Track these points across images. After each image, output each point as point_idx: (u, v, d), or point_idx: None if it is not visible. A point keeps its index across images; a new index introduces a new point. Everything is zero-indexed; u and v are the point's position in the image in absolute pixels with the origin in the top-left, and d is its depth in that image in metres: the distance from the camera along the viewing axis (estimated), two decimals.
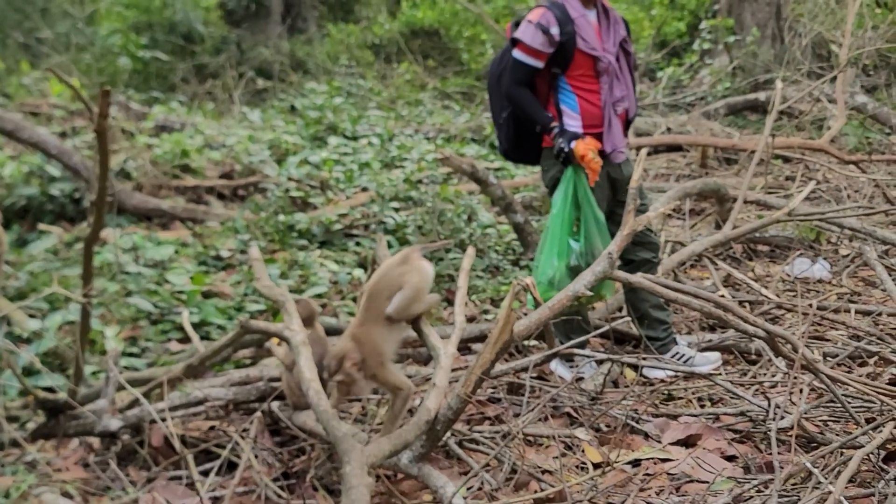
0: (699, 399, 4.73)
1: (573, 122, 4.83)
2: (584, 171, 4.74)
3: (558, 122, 4.84)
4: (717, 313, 3.78)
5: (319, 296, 6.74)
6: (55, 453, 4.55)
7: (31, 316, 5.77)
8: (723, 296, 5.34)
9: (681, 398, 4.78)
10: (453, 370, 4.38)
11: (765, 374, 4.92)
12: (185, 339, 5.87)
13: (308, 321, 4.27)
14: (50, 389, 4.62)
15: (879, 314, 5.69)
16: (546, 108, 4.88)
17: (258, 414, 3.66)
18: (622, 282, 3.85)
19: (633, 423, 4.41)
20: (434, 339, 3.94)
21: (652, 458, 4.12)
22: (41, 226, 7.94)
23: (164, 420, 4.54)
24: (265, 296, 4.36)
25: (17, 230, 8.01)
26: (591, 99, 4.84)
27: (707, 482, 3.80)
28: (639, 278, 3.78)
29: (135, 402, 4.40)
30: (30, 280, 6.33)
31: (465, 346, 5.60)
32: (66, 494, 4.04)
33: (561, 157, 4.75)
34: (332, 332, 5.68)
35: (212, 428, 4.62)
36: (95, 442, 4.63)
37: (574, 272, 4.68)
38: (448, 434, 4.33)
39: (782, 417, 4.11)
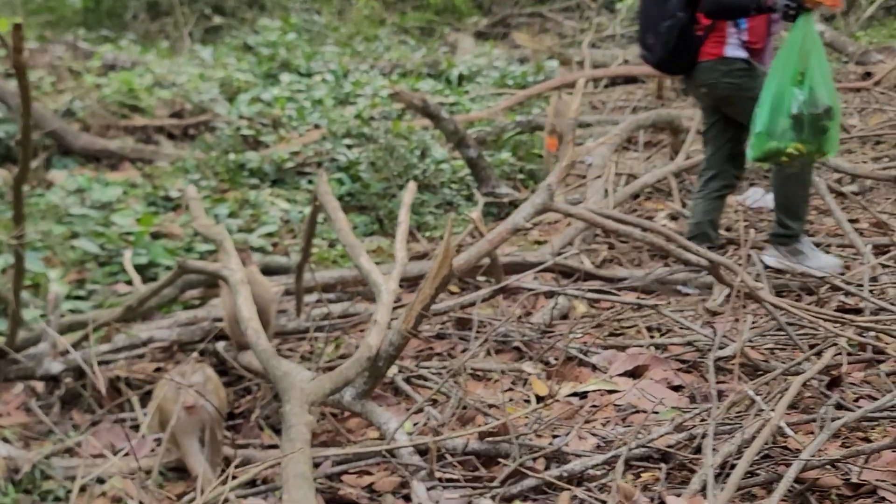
0: (648, 329, 4.71)
1: None
2: (812, 17, 4.71)
3: None
4: (660, 243, 3.75)
5: (270, 234, 6.67)
6: None
7: None
8: (665, 226, 5.30)
9: (631, 327, 4.77)
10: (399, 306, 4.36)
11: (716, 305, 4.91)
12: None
13: (243, 264, 4.22)
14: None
15: (829, 245, 5.68)
16: None
17: (194, 355, 3.61)
18: (561, 213, 3.81)
19: (581, 356, 4.39)
20: (375, 275, 3.89)
21: (599, 390, 4.11)
22: None
23: (108, 363, 4.51)
24: (202, 234, 4.29)
25: None
26: None
27: (652, 412, 3.80)
28: (580, 210, 3.74)
29: (76, 345, 4.33)
30: None
31: (416, 284, 5.56)
32: (5, 440, 3.98)
33: (790, 11, 4.70)
34: (283, 271, 5.63)
35: (157, 370, 4.57)
36: (39, 386, 4.57)
37: (795, 121, 4.64)
38: (395, 370, 4.31)
39: (723, 347, 4.10)
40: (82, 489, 3.75)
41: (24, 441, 3.97)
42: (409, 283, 5.06)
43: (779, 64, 4.74)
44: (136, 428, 4.12)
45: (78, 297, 5.64)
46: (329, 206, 4.28)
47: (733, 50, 5.07)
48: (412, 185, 4.21)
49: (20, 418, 4.30)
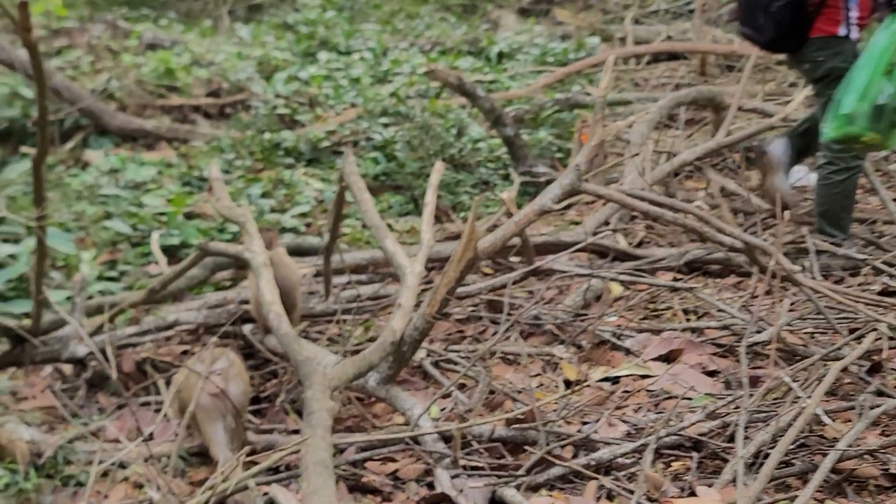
0: (685, 311, 4.60)
1: None
2: None
3: None
4: (693, 225, 3.63)
5: (304, 214, 6.61)
6: (24, 381, 4.47)
7: (5, 241, 5.66)
8: (699, 207, 5.16)
9: (666, 310, 4.66)
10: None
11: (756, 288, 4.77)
12: (170, 262, 5.76)
13: (269, 246, 4.15)
14: (26, 316, 4.54)
15: (874, 222, 5.54)
16: None
17: (213, 339, 3.55)
18: (590, 194, 3.71)
19: (614, 339, 4.29)
20: (401, 258, 3.81)
21: (631, 375, 4.01)
22: (23, 148, 7.78)
23: (135, 346, 4.47)
24: (225, 216, 4.23)
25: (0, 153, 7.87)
26: None
27: (686, 398, 3.70)
28: (610, 191, 3.63)
29: (101, 328, 4.30)
30: (7, 204, 6.20)
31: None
32: (29, 423, 3.95)
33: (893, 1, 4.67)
34: (315, 252, 5.56)
35: (184, 352, 4.53)
36: (68, 369, 4.55)
37: (877, 111, 4.58)
38: (423, 354, 4.23)
39: (760, 331, 3.99)
40: (104, 474, 3.73)
41: (48, 425, 3.93)
42: (441, 264, 4.97)
43: (872, 52, 4.64)
44: (161, 412, 4.07)
45: (109, 279, 5.61)
46: (355, 186, 4.20)
47: (845, 29, 5.03)
48: (439, 166, 4.12)
49: (46, 401, 4.28)
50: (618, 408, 3.68)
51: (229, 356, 3.67)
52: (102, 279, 5.55)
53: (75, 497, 3.56)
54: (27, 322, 4.31)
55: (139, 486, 3.60)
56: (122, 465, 3.71)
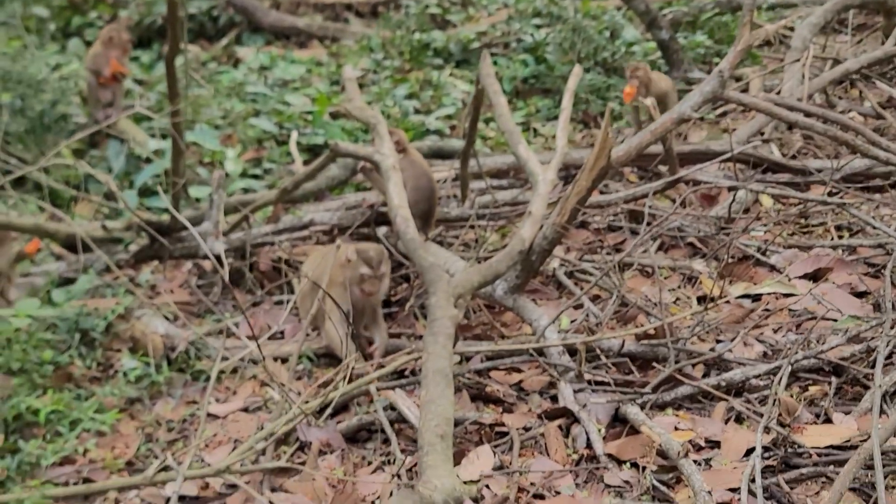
0: (837, 228, 4.35)
1: None
2: None
3: None
4: (844, 137, 3.39)
5: (449, 116, 6.52)
6: (164, 276, 4.55)
7: (154, 136, 5.75)
8: (852, 118, 4.84)
9: (818, 225, 4.42)
10: None
11: None
12: (311, 161, 5.76)
13: (403, 149, 4.08)
14: (166, 211, 4.61)
15: None
16: None
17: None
18: (734, 102, 3.50)
19: (759, 255, 4.10)
20: (533, 164, 3.69)
21: (773, 293, 3.83)
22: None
23: (272, 244, 4.50)
24: (356, 117, 4.17)
25: (157, 48, 7.98)
26: None
27: (830, 319, 3.50)
28: (755, 99, 3.42)
29: (237, 225, 4.33)
30: (159, 100, 6.30)
31: None
32: (165, 317, 4.03)
33: None
34: (456, 155, 5.46)
35: None
36: (207, 265, 4.62)
37: None
38: (556, 263, 4.13)
39: None
40: (233, 371, 3.78)
41: (182, 319, 4.00)
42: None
43: None
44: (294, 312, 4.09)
45: (253, 176, 5.65)
46: (491, 89, 4.08)
47: None
48: (577, 69, 3.97)
49: (183, 296, 4.35)
50: (755, 326, 3.51)
51: (385, 255, 3.62)
52: (246, 176, 5.60)
53: (205, 391, 3.61)
54: (166, 217, 4.38)
55: (265, 385, 3.64)
56: (253, 362, 3.76)
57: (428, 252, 3.45)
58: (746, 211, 4.57)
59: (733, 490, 2.57)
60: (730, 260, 3.99)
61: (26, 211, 4.80)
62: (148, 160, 5.54)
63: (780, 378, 2.97)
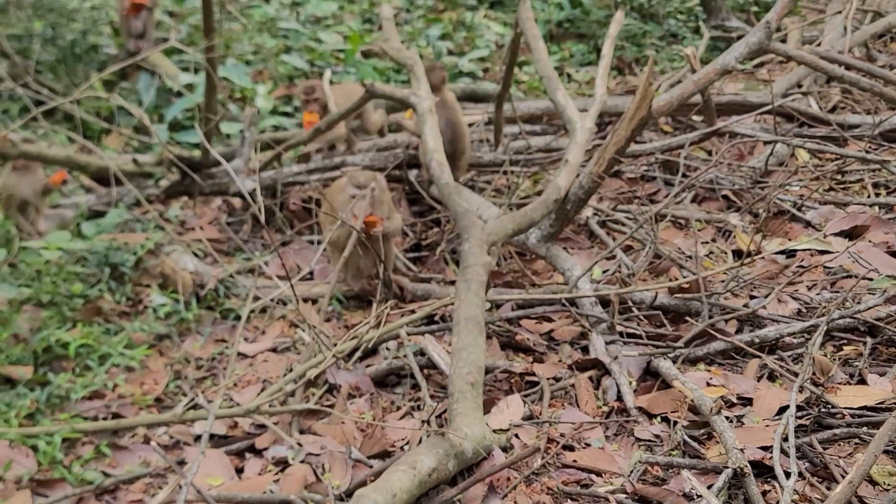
0: (875, 185, 4.29)
1: None
2: None
3: None
4: (889, 93, 3.32)
5: (482, 59, 6.45)
6: (194, 212, 4.54)
7: (185, 70, 5.70)
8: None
9: (856, 182, 4.36)
10: None
11: None
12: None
13: (437, 88, 4.02)
14: (196, 146, 4.57)
15: None
16: None
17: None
18: (779, 54, 3.43)
19: (794, 210, 4.05)
20: (571, 111, 3.64)
21: (809, 250, 3.78)
22: None
23: (302, 184, 4.46)
24: (392, 58, 4.11)
25: None
26: None
27: (866, 279, 3.45)
28: (801, 52, 3.34)
29: (268, 164, 4.30)
30: (190, 33, 6.24)
31: None
32: (195, 254, 4.02)
33: None
34: (489, 99, 5.41)
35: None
36: (237, 202, 4.60)
37: None
38: (590, 212, 4.10)
39: None
40: (262, 310, 3.77)
41: (213, 256, 3.99)
42: (617, 119, 4.78)
43: None
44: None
45: (284, 114, 5.61)
46: (530, 33, 4.01)
47: None
48: (619, 15, 3.89)
49: (213, 234, 4.33)
50: (790, 283, 3.47)
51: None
52: (277, 113, 5.56)
53: (234, 330, 3.61)
54: (198, 153, 4.35)
55: (295, 326, 3.63)
56: (283, 302, 3.75)
57: (461, 197, 3.41)
58: (782, 165, 4.52)
59: (765, 448, 2.55)
60: (765, 214, 3.94)
61: (56, 142, 4.79)
62: (178, 94, 5.49)
63: (816, 338, 2.93)
